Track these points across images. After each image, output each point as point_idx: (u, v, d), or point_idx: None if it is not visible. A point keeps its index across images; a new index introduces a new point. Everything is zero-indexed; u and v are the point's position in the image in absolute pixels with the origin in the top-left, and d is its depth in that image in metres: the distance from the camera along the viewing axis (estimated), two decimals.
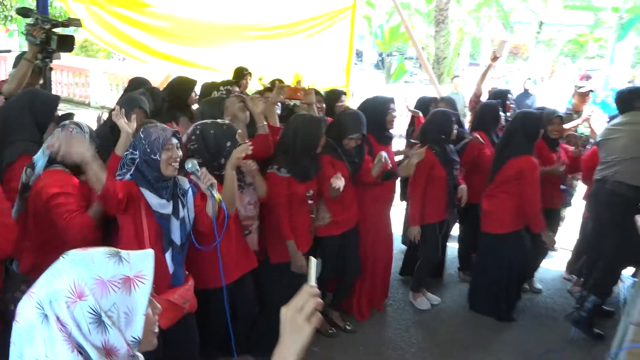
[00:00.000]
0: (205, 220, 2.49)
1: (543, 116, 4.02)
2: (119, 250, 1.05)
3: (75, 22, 3.52)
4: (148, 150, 2.29)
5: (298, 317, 1.03)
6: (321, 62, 6.43)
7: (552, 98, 12.61)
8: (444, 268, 4.83)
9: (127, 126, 2.49)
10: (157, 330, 1.10)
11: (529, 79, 11.58)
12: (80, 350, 0.95)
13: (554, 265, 5.21)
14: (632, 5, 16.51)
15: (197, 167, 2.44)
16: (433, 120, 3.97)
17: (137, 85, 3.77)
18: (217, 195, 2.38)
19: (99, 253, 1.02)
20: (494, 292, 4.13)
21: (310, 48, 6.37)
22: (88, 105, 13.57)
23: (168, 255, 2.37)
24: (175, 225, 2.39)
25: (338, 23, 6.44)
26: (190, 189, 2.49)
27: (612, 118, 4.26)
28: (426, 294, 4.31)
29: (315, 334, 3.29)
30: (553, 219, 4.42)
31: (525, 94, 9.96)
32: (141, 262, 1.04)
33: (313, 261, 1.13)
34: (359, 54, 25.66)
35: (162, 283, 2.34)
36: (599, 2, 18.19)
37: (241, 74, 4.96)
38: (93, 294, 0.97)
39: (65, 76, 13.96)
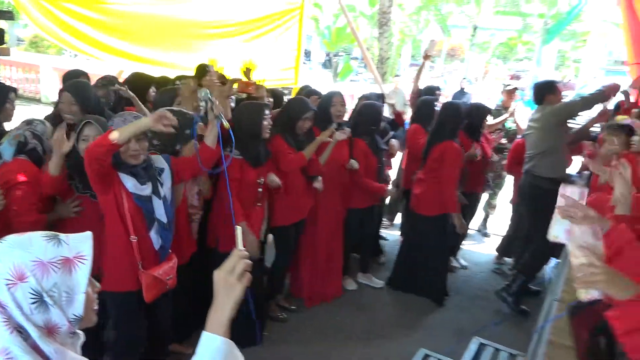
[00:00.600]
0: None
1: (462, 107, 4.14)
2: (57, 233, 1.07)
3: (7, 15, 3.34)
4: None
5: (230, 277, 1.08)
6: (271, 60, 6.41)
7: (485, 96, 13.08)
8: (382, 252, 4.99)
9: (60, 145, 2.35)
10: (96, 307, 1.13)
11: (465, 78, 11.94)
12: (20, 329, 0.97)
13: (487, 249, 5.42)
14: (556, 12, 17.24)
15: (210, 97, 2.47)
16: (364, 112, 4.04)
17: (73, 77, 3.58)
18: (226, 124, 2.46)
19: (37, 236, 1.04)
20: (420, 272, 4.24)
21: (261, 46, 6.32)
22: (39, 101, 12.97)
23: (153, 233, 2.38)
24: (158, 203, 2.40)
25: (287, 23, 6.43)
26: (166, 168, 2.49)
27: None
28: (371, 280, 4.45)
29: (268, 321, 3.30)
30: (473, 202, 4.71)
31: (462, 92, 10.27)
32: (80, 243, 1.07)
33: (239, 229, 1.19)
34: (307, 54, 25.63)
35: (148, 259, 2.39)
36: (526, 9, 18.88)
37: (203, 71, 4.84)
38: (34, 275, 0.99)
39: (15, 72, 13.30)
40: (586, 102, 3.88)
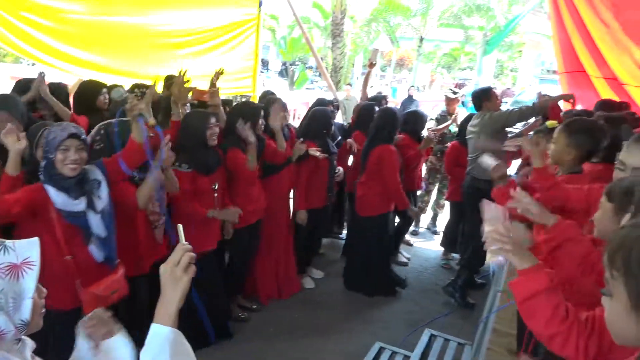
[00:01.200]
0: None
1: (397, 113, 4.21)
2: (4, 240, 1.04)
3: None
4: (46, 149, 2.11)
5: (176, 270, 1.08)
6: (229, 69, 6.35)
7: (432, 103, 13.40)
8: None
9: (14, 144, 2.12)
10: (43, 311, 1.10)
11: (413, 86, 12.19)
12: None
13: (436, 245, 5.52)
14: (494, 25, 17.86)
15: (125, 96, 2.37)
16: (316, 118, 4.07)
17: (22, 86, 3.49)
18: (152, 121, 2.32)
19: None
20: (366, 270, 4.28)
21: (218, 56, 6.26)
22: None
23: (93, 247, 2.22)
24: (94, 218, 2.21)
25: (244, 33, 6.39)
26: (102, 180, 2.30)
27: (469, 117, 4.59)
28: (311, 272, 4.49)
29: (230, 321, 3.20)
30: (411, 200, 4.72)
31: (410, 99, 10.49)
32: (27, 250, 1.05)
33: (180, 226, 1.20)
34: (265, 63, 25.57)
35: (90, 274, 2.21)
36: (468, 22, 19.47)
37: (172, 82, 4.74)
38: None
39: None
40: (522, 114, 3.95)
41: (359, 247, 4.35)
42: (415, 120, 4.57)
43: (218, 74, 3.57)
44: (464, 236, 4.65)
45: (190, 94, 3.32)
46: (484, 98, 4.11)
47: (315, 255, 4.83)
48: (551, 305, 1.22)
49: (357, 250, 4.38)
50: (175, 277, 1.08)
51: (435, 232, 5.95)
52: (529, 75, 23.64)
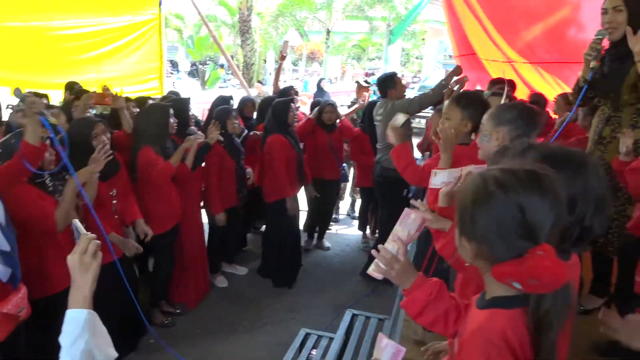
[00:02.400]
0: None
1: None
2: None
3: None
4: None
5: (84, 257, 1.15)
6: (133, 71, 6.13)
7: (344, 94, 13.68)
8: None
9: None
10: None
11: (324, 79, 12.35)
12: None
13: (356, 230, 5.69)
14: (396, 15, 18.53)
15: (23, 95, 2.30)
16: (217, 117, 4.03)
17: None
18: (52, 120, 2.27)
19: None
20: (278, 258, 4.38)
21: (121, 58, 6.02)
22: None
23: None
24: None
25: (146, 34, 6.18)
26: None
27: (371, 104, 4.73)
28: (236, 268, 4.51)
29: (153, 328, 3.13)
30: (326, 189, 4.86)
31: (321, 91, 10.60)
32: None
33: (75, 221, 1.26)
34: (174, 64, 24.76)
35: None
36: (372, 13, 20.03)
37: (73, 89, 4.46)
38: None
39: None
40: (422, 102, 3.91)
41: (268, 235, 4.45)
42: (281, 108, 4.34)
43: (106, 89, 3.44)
44: (379, 223, 4.80)
45: (90, 99, 3.19)
46: (389, 85, 4.08)
47: (239, 251, 4.82)
48: (439, 312, 1.30)
49: (268, 238, 4.46)
50: (84, 264, 1.14)
51: (354, 218, 6.11)
52: (433, 62, 24.74)
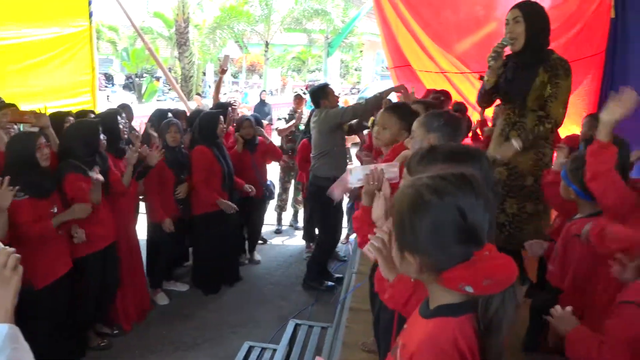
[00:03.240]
0: None
1: (217, 115, 4.23)
2: None
3: None
4: None
5: (4, 271, 1.11)
6: (63, 85, 5.88)
7: (285, 105, 13.73)
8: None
9: None
10: None
11: (264, 90, 12.39)
12: None
13: (299, 240, 5.70)
14: (333, 28, 18.86)
15: None
16: (161, 132, 3.99)
17: None
18: None
19: None
20: (213, 268, 4.36)
21: (50, 71, 5.76)
22: None
23: None
24: None
25: (76, 46, 5.96)
26: None
27: (311, 113, 4.74)
28: (176, 285, 4.39)
29: (88, 351, 2.99)
30: (249, 205, 4.77)
31: (262, 103, 10.62)
32: None
33: None
34: (109, 77, 23.96)
35: None
36: (310, 26, 20.29)
37: None
38: None
39: None
40: (356, 111, 3.97)
41: (200, 247, 4.40)
42: (207, 120, 4.26)
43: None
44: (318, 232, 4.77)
45: (4, 117, 3.03)
46: (321, 96, 4.16)
47: (180, 267, 4.71)
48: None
49: (200, 251, 4.43)
50: (4, 278, 1.10)
51: (297, 228, 6.12)
52: (372, 73, 25.34)
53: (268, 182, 5.04)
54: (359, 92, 19.92)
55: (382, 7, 6.01)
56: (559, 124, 2.70)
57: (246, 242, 5.13)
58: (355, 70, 29.79)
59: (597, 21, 5.19)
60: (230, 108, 5.10)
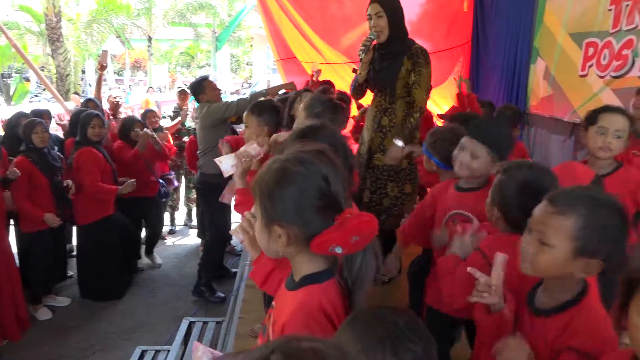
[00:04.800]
0: None
1: (92, 115, 4.06)
2: None
3: None
4: None
5: None
6: None
7: (174, 102, 13.20)
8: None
9: None
10: None
11: (151, 87, 11.88)
12: None
13: (194, 239, 5.58)
14: (220, 22, 18.51)
15: None
16: (23, 133, 3.70)
17: None
18: None
19: None
20: (102, 277, 4.16)
21: None
22: None
23: None
24: None
25: None
26: None
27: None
28: (55, 299, 4.11)
29: None
30: (143, 206, 4.66)
31: None
32: None
33: None
34: None
35: None
36: (195, 20, 19.69)
37: None
38: None
39: None
40: (239, 106, 3.84)
41: (90, 256, 4.13)
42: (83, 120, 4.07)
43: None
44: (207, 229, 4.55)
45: None
46: (199, 91, 4.03)
47: (61, 280, 4.38)
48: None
49: (88, 259, 4.15)
50: None
51: (192, 227, 5.99)
52: (263, 67, 25.27)
53: (166, 178, 4.93)
54: (250, 86, 19.83)
55: (264, 0, 6.04)
56: (423, 110, 2.93)
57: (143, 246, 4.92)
58: (247, 64, 29.52)
59: (462, 15, 5.70)
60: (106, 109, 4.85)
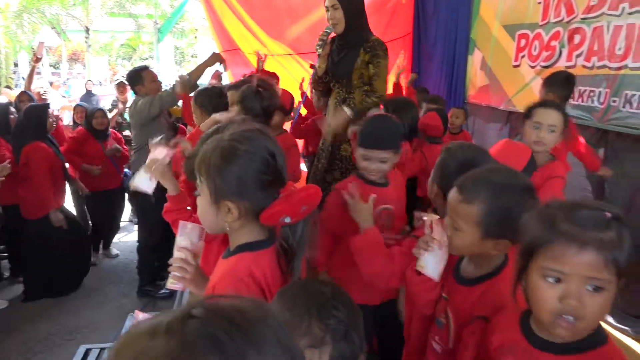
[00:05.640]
0: None
1: (45, 108, 3.96)
2: None
3: None
4: None
5: None
6: None
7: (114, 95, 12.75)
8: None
9: None
10: None
11: (90, 80, 11.40)
12: None
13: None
14: (161, 13, 17.96)
15: None
16: None
17: None
18: None
19: None
20: (49, 277, 4.04)
21: None
22: None
23: None
24: None
25: None
26: None
27: None
28: None
29: None
30: (109, 198, 4.66)
31: (89, 94, 9.82)
32: None
33: None
34: None
35: None
36: (136, 10, 19.01)
37: None
38: None
39: None
40: (163, 101, 3.61)
41: (36, 255, 3.97)
42: (34, 114, 3.91)
43: None
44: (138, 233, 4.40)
45: None
46: (136, 81, 3.76)
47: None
48: None
49: (36, 260, 3.99)
50: None
51: (137, 223, 5.83)
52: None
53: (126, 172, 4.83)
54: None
55: None
56: (384, 97, 3.01)
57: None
58: (192, 57, 28.84)
59: (401, 7, 5.83)
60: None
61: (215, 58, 3.85)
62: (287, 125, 3.72)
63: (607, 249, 0.89)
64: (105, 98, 10.93)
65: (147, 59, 28.19)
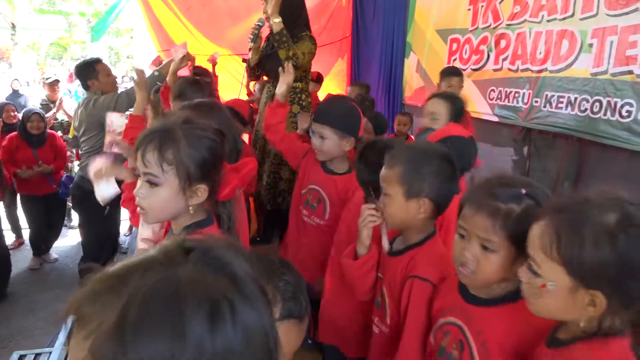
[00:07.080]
0: None
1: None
2: None
3: None
4: None
5: None
6: None
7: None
8: None
9: None
10: None
11: (16, 79, 10.80)
12: None
13: (75, 239, 5.26)
14: (95, 11, 17.31)
15: None
16: None
17: None
18: None
19: None
20: None
21: None
22: None
23: None
24: None
25: None
26: None
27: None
28: None
29: None
30: (41, 204, 4.53)
31: (16, 94, 9.30)
32: None
33: None
34: None
35: None
36: (67, 8, 18.21)
37: None
38: None
39: None
40: (130, 96, 3.28)
41: None
42: None
43: None
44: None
45: None
46: (88, 74, 3.39)
47: None
48: None
49: None
50: None
51: (72, 227, 5.64)
52: (147, 61, 24.06)
53: (64, 178, 4.60)
54: (130, 80, 18.80)
55: None
56: (308, 81, 3.12)
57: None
58: (128, 57, 27.92)
59: (341, 10, 5.99)
60: None
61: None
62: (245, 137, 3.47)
63: (498, 216, 1.07)
64: (33, 98, 10.42)
65: (78, 59, 26.99)
